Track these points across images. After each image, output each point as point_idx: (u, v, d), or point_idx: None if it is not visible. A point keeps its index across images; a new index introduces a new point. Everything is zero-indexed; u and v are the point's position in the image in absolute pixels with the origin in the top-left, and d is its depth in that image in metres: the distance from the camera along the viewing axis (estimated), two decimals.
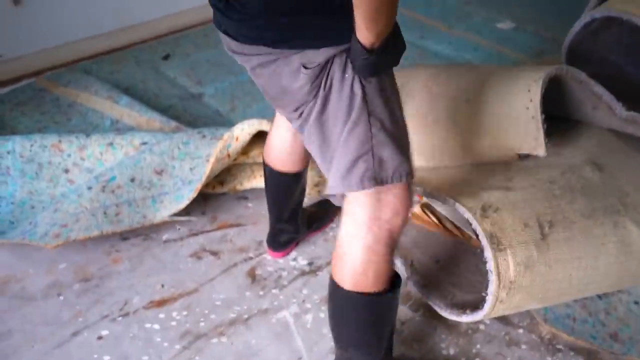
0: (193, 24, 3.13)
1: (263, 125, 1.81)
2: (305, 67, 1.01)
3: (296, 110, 1.10)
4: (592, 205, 1.42)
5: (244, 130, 1.81)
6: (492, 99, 1.55)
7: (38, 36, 2.67)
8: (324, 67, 1.01)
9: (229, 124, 2.26)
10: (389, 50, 0.96)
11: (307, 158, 1.55)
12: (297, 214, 1.72)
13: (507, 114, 1.51)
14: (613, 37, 1.78)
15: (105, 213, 1.73)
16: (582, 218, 1.38)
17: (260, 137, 1.87)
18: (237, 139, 1.81)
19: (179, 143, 1.91)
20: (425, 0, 3.50)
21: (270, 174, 1.58)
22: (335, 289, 1.18)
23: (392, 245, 1.15)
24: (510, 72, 1.58)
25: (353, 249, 1.13)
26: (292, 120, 1.15)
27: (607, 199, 1.45)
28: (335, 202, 1.20)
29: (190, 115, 2.42)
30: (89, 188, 1.76)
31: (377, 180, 1.05)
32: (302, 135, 1.14)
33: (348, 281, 1.15)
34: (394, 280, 1.20)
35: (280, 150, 1.52)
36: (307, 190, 1.80)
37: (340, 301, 1.20)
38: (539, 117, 1.45)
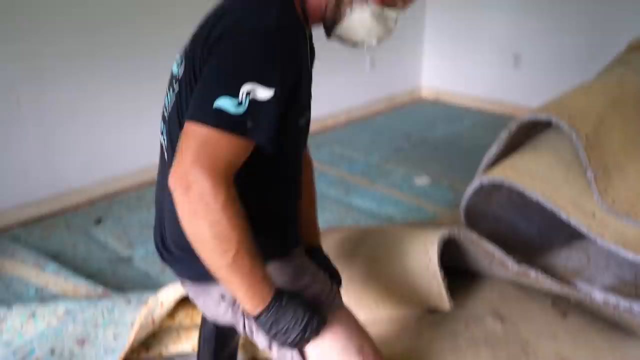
0: (126, 188, 3.25)
1: None
2: (223, 297, 1.14)
3: (237, 328, 1.20)
4: (495, 355, 1.51)
5: (169, 296, 1.86)
6: (397, 258, 1.69)
7: None
8: None
9: (158, 286, 2.29)
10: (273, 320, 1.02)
11: None
12: None
13: (411, 273, 1.65)
14: (504, 197, 2.00)
15: None
16: None
17: (186, 299, 1.91)
18: (162, 304, 1.85)
19: (104, 310, 1.92)
20: (348, 158, 3.79)
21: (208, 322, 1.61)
22: None
23: None
24: (413, 233, 1.74)
25: None
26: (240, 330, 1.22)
27: (509, 348, 1.55)
28: None
29: (119, 279, 2.44)
30: None
31: None
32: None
33: None
34: None
35: None
36: None
37: None
38: (438, 275, 1.59)
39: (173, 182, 0.93)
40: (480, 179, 1.83)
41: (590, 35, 4.16)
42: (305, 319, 1.04)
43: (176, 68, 1.15)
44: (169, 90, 1.16)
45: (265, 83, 0.94)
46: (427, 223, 2.75)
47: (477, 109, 4.82)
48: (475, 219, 1.96)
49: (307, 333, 1.05)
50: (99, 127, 3.11)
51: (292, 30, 1.02)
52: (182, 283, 1.25)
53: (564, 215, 1.68)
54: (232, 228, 0.93)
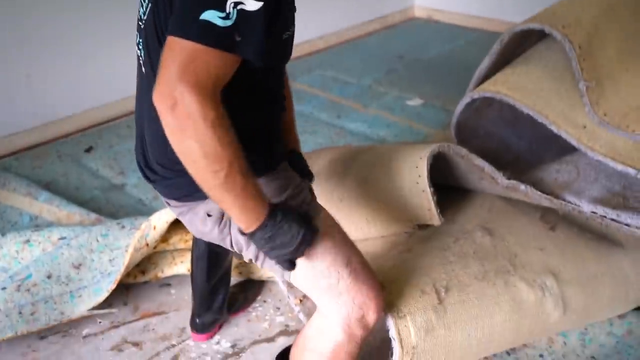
0: (116, 116, 3.21)
1: None
2: (209, 214, 1.15)
3: (224, 244, 1.21)
4: (484, 267, 1.54)
5: (161, 219, 1.87)
6: (387, 175, 1.68)
7: None
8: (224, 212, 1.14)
9: (152, 212, 2.30)
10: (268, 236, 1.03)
11: None
12: (220, 294, 1.75)
13: (401, 189, 1.65)
14: (495, 112, 1.98)
15: (20, 313, 1.72)
16: (475, 281, 1.50)
17: (179, 222, 1.92)
18: (154, 227, 1.86)
19: (98, 235, 1.93)
20: (340, 81, 3.73)
21: (200, 241, 1.64)
22: None
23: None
24: (403, 150, 1.73)
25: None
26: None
27: (497, 260, 1.57)
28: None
29: (113, 206, 2.45)
30: (3, 288, 1.75)
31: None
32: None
33: None
34: None
35: None
36: None
37: None
38: (428, 190, 1.59)
39: (158, 98, 0.89)
40: (471, 93, 1.80)
41: None
42: (301, 234, 1.04)
43: None
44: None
45: None
46: (418, 142, 2.74)
47: (472, 28, 4.69)
48: (466, 135, 1.94)
49: (302, 247, 1.06)
50: (85, 54, 3.03)
51: None
52: (167, 203, 1.25)
53: (554, 128, 1.66)
54: (222, 147, 0.90)
